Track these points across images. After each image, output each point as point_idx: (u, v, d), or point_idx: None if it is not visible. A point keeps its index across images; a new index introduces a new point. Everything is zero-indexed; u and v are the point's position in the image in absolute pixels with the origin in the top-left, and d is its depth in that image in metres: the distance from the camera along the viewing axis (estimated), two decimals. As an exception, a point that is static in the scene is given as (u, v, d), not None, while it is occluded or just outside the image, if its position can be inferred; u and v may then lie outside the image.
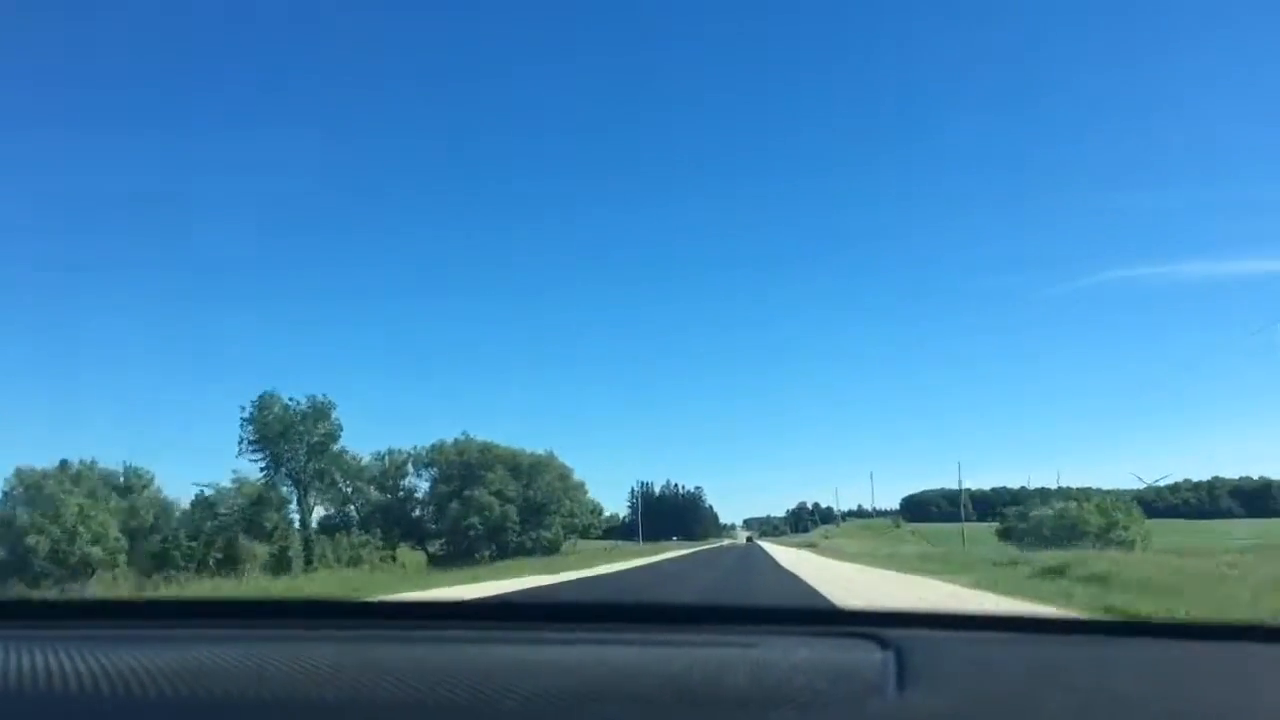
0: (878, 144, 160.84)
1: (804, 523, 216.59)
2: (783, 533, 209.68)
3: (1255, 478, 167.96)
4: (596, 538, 76.96)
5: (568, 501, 57.30)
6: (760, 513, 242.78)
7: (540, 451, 57.13)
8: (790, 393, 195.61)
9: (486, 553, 51.59)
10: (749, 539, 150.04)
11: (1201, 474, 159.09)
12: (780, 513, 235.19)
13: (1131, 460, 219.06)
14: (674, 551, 70.57)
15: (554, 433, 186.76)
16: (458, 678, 1.02)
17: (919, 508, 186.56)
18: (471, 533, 51.04)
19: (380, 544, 48.13)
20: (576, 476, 64.44)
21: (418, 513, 54.66)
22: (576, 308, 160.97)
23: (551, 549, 59.35)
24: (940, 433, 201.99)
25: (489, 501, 50.83)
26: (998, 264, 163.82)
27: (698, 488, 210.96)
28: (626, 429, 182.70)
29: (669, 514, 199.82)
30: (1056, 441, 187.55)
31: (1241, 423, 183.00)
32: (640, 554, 63.45)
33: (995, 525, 68.27)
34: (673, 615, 1.38)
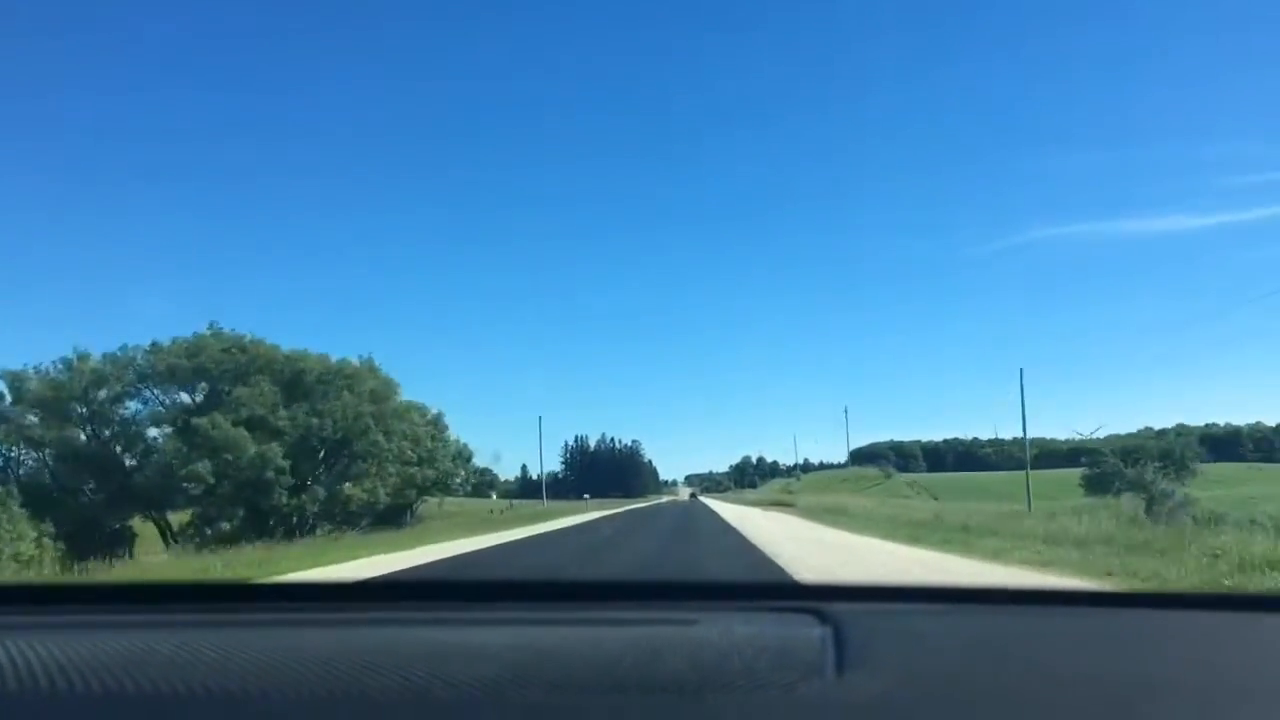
0: (814, 108, 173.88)
1: (749, 478, 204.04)
2: (726, 489, 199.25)
3: (1223, 425, 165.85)
4: (465, 495, 54.35)
5: (404, 440, 34.28)
6: (702, 469, 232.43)
7: (355, 360, 33.85)
8: (729, 349, 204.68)
9: (277, 528, 29.31)
10: (692, 495, 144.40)
11: (1165, 421, 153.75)
12: (723, 468, 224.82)
13: (1066, 411, 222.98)
14: (585, 515, 50.34)
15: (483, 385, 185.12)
16: (386, 664, 0.98)
17: (869, 461, 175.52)
18: (210, 493, 27.95)
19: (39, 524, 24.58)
20: (433, 410, 41.55)
21: (132, 462, 30.99)
22: (517, 271, 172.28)
23: (389, 515, 36.90)
24: (876, 388, 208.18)
25: (232, 437, 27.92)
26: (923, 227, 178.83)
27: (635, 442, 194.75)
28: (560, 384, 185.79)
29: (606, 470, 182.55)
30: (993, 395, 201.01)
31: (1175, 374, 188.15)
32: (543, 517, 46.45)
33: (1081, 472, 48.26)
34: (607, 592, 1.35)
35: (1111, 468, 38.21)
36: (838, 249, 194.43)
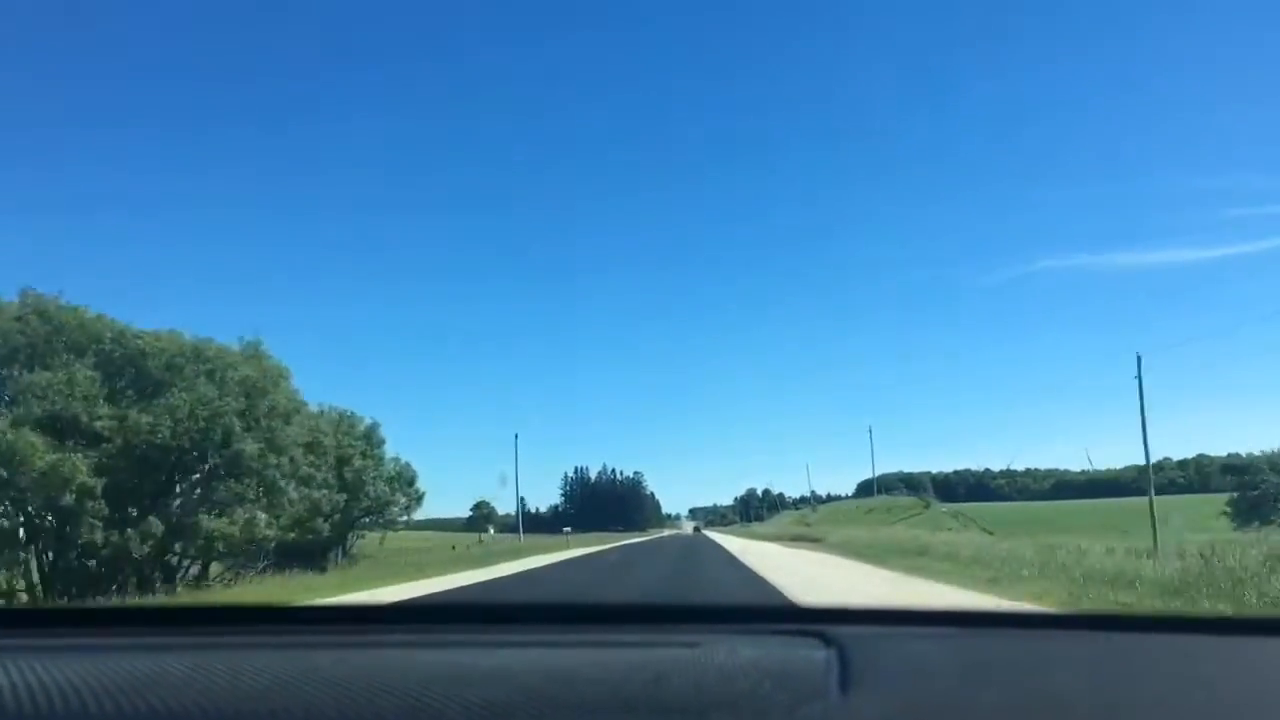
0: (832, 142, 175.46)
1: (754, 510, 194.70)
2: (732, 522, 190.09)
3: (1244, 454, 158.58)
4: (412, 528, 44.54)
5: (307, 454, 24.60)
6: (706, 501, 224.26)
7: (230, 343, 24.14)
8: (732, 381, 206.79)
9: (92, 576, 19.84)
10: (695, 529, 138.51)
11: (1185, 452, 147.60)
12: (727, 500, 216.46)
13: (1080, 441, 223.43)
14: (563, 553, 42.30)
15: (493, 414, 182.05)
16: (398, 686, 1.00)
17: (879, 492, 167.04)
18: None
19: None
20: (365, 420, 32.38)
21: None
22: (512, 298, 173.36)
23: (306, 552, 27.46)
24: (880, 420, 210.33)
25: (12, 442, 18.27)
26: (931, 258, 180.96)
27: (637, 473, 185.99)
28: (561, 414, 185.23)
29: (606, 503, 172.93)
30: (1004, 425, 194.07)
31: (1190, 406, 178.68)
32: (513, 555, 40.76)
33: (1227, 496, 38.54)
34: (613, 615, 1.37)
35: (1275, 489, 28.85)
36: (843, 279, 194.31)
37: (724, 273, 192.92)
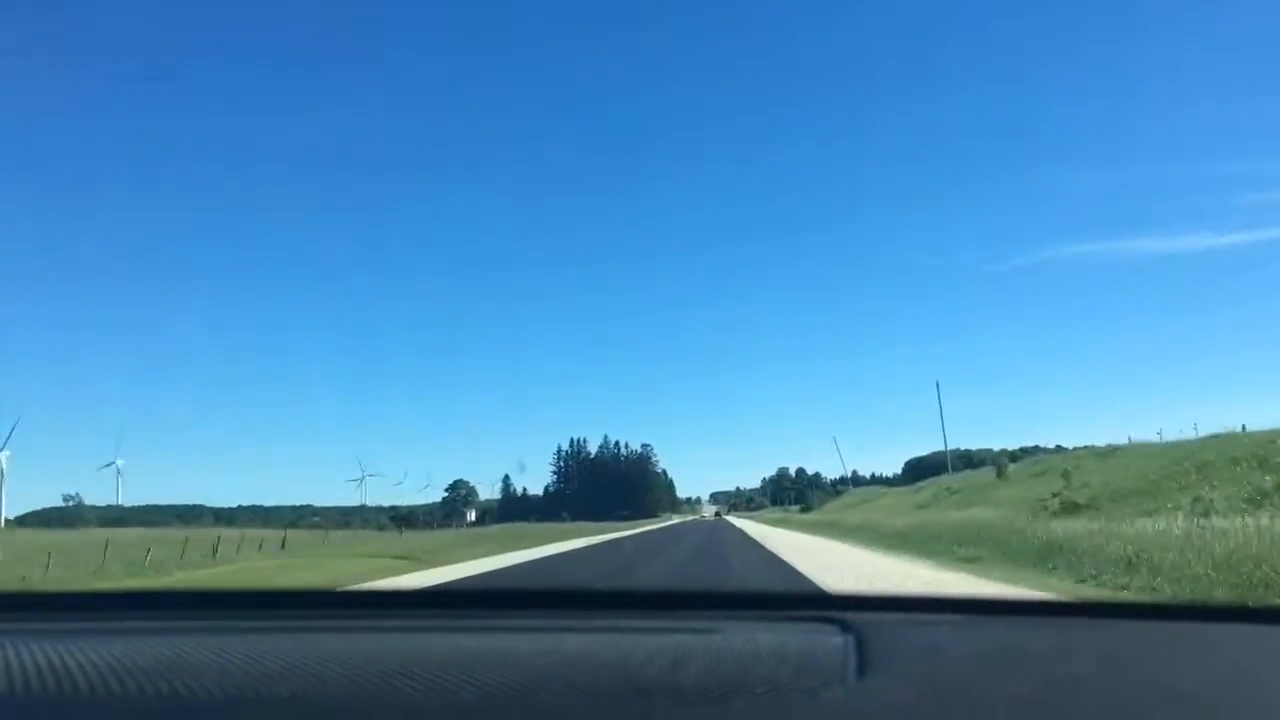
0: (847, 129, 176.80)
1: (785, 493, 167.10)
2: (760, 506, 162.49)
3: None
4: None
5: None
6: (728, 485, 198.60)
7: None
8: (760, 360, 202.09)
9: None
10: (716, 514, 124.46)
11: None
12: (754, 483, 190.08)
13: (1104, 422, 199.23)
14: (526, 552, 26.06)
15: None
16: (415, 670, 1.02)
17: (930, 471, 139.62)
18: None
19: None
20: None
21: None
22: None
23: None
24: (909, 400, 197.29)
25: None
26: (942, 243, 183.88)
27: (646, 446, 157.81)
28: (565, 388, 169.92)
29: (609, 483, 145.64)
30: (1046, 405, 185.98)
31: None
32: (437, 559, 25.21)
33: None
34: (633, 601, 1.38)
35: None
36: (876, 256, 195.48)
37: (742, 242, 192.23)
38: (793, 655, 1.03)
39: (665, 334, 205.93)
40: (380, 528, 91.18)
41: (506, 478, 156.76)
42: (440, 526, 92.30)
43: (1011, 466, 44.71)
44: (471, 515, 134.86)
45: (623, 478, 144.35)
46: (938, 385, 77.90)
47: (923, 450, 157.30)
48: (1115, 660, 1.09)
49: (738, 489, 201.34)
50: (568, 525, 68.00)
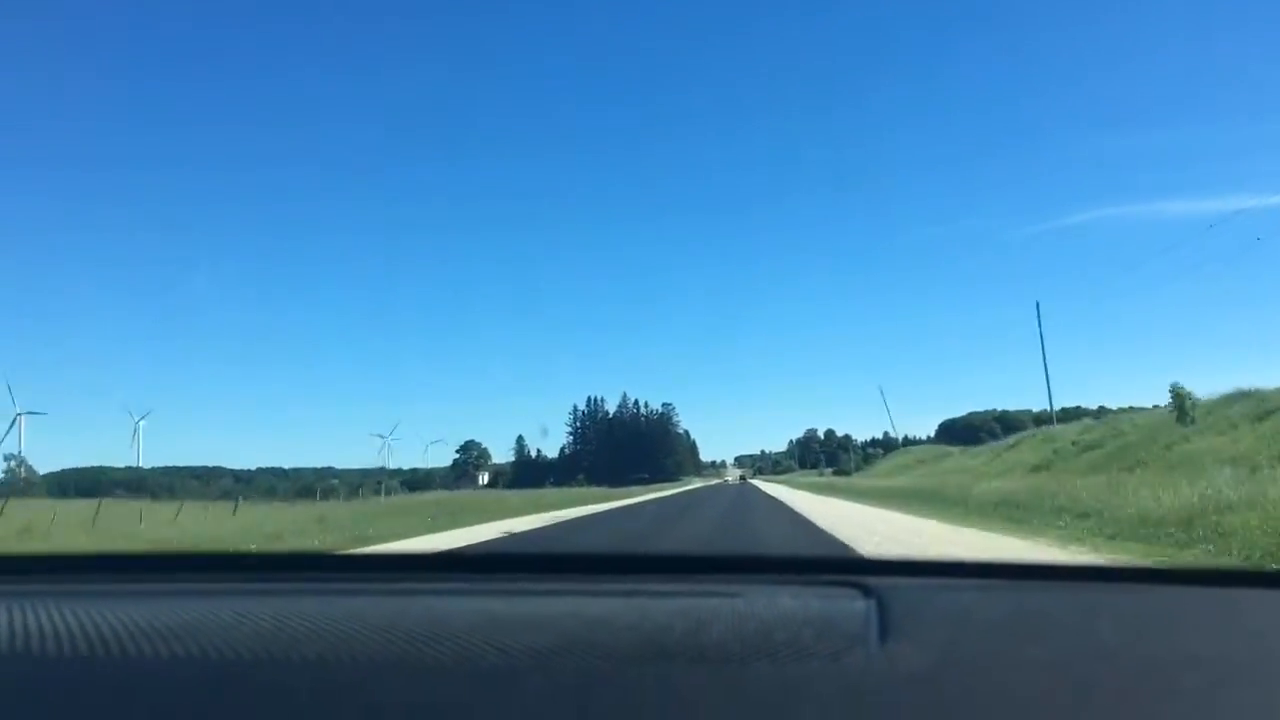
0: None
1: (813, 456, 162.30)
2: (786, 469, 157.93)
3: None
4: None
5: None
6: (752, 449, 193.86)
7: None
8: (787, 321, 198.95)
9: None
10: (741, 478, 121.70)
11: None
12: (780, 446, 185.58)
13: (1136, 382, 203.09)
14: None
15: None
16: (441, 633, 1.03)
17: (967, 434, 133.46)
18: None
19: None
20: None
21: None
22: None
23: None
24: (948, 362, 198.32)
25: None
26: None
27: (667, 405, 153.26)
28: (583, 345, 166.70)
29: (628, 444, 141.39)
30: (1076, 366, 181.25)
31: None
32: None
33: None
34: (654, 565, 1.38)
35: None
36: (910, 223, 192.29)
37: (768, 202, 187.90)
38: (815, 619, 1.04)
39: (690, 297, 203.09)
40: (389, 492, 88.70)
41: (520, 439, 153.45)
42: (451, 490, 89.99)
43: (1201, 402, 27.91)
44: (484, 478, 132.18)
45: (643, 438, 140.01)
46: (1038, 315, 71.16)
47: (955, 413, 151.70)
48: (1138, 625, 1.09)
49: (762, 451, 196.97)
50: (564, 492, 64.02)
